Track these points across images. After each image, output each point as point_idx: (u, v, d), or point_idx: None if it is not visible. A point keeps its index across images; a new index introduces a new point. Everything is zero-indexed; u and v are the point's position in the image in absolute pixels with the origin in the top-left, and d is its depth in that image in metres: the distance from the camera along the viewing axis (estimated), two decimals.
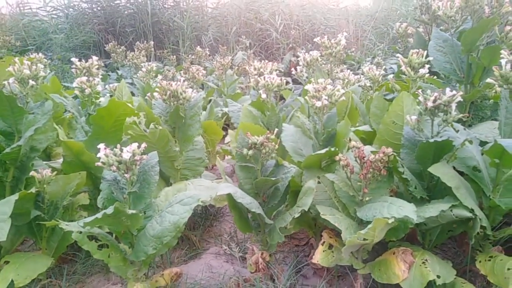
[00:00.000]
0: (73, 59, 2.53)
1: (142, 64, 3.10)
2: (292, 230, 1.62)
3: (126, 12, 9.03)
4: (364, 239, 1.24)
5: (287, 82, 4.44)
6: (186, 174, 2.02)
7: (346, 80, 2.62)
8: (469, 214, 1.29)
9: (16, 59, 1.66)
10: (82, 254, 1.83)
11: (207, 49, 7.71)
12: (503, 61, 1.39)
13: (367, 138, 1.91)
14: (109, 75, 5.71)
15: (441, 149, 1.39)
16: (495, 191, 1.49)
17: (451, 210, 1.31)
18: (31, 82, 1.62)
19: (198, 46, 6.15)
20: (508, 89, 1.40)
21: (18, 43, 7.91)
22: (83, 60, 2.44)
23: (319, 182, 1.51)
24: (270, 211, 1.57)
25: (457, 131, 1.59)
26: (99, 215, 1.16)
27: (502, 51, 1.41)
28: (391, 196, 1.54)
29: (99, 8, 9.20)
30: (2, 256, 1.55)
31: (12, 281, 1.35)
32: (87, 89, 1.92)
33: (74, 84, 1.93)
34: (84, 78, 1.93)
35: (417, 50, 1.70)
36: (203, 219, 2.20)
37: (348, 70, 2.81)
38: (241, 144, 1.49)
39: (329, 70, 2.40)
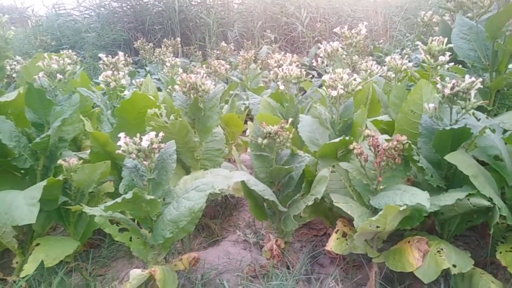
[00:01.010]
0: (100, 55, 2.63)
1: (167, 60, 3.18)
2: (307, 219, 1.64)
3: (154, 10, 9.23)
4: (377, 227, 1.24)
5: (308, 74, 4.41)
6: (206, 164, 2.07)
7: (369, 71, 2.59)
8: (487, 203, 1.25)
9: (45, 54, 1.76)
10: (108, 239, 1.93)
11: (233, 44, 7.78)
12: None
13: (388, 128, 1.88)
14: (138, 71, 5.89)
15: (459, 137, 1.36)
16: None
17: (468, 199, 1.28)
18: (59, 76, 1.72)
19: (223, 42, 6.19)
20: None
21: (53, 43, 8.29)
22: (110, 57, 2.53)
23: (333, 171, 1.52)
24: (285, 200, 1.59)
25: (479, 120, 1.55)
26: (118, 199, 1.22)
27: None
28: (408, 185, 1.53)
29: (128, 6, 9.45)
30: (34, 239, 1.66)
31: (42, 261, 1.45)
32: (112, 82, 2.00)
33: (100, 78, 2.02)
34: (109, 72, 2.01)
35: (438, 38, 1.65)
36: (223, 209, 2.25)
37: (372, 61, 2.77)
38: (256, 134, 1.52)
39: (351, 61, 2.38)
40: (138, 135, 1.37)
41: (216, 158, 2.10)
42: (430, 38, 1.65)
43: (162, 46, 6.21)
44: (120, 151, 1.33)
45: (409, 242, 1.34)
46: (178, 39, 6.83)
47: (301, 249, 1.90)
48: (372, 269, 1.45)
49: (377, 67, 2.61)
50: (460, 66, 2.05)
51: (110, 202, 1.23)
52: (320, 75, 4.89)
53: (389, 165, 1.33)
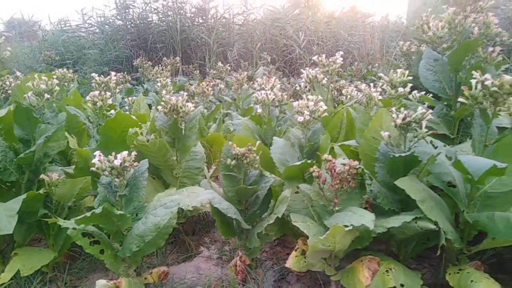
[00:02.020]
0: (93, 74, 2.76)
1: (158, 80, 3.32)
2: (273, 237, 1.72)
3: (157, 29, 9.51)
4: (328, 246, 1.32)
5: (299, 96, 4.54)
6: (185, 182, 2.17)
7: (349, 96, 2.71)
8: (433, 227, 1.34)
9: (36, 75, 1.89)
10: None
11: (232, 64, 7.97)
12: (473, 81, 1.45)
13: (355, 153, 1.98)
14: (136, 88, 6.05)
15: (410, 164, 1.46)
16: (470, 206, 1.53)
17: (415, 222, 1.37)
18: (46, 95, 1.84)
19: (220, 62, 6.37)
20: (478, 108, 1.45)
21: (57, 58, 8.52)
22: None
23: (298, 192, 1.61)
24: (252, 218, 1.67)
25: (436, 147, 1.65)
26: (88, 213, 1.32)
27: (473, 72, 1.47)
28: (365, 207, 1.62)
29: (132, 25, 9.74)
30: (14, 249, 1.74)
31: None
32: (98, 102, 2.12)
33: (87, 98, 2.14)
34: (96, 92, 2.14)
35: (401, 70, 1.77)
36: (202, 225, 2.33)
37: (352, 87, 2.89)
38: (226, 155, 1.62)
39: (329, 87, 2.49)
40: (113, 153, 1.47)
41: (195, 176, 2.19)
42: (391, 70, 1.76)
43: (160, 64, 6.40)
44: (94, 168, 1.43)
45: (361, 261, 1.42)
46: (178, 58, 7.03)
47: (273, 266, 1.97)
48: (330, 287, 1.53)
49: (357, 93, 2.74)
50: (430, 95, 2.17)
51: (80, 216, 1.33)
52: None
53: (344, 188, 1.42)
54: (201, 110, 2.08)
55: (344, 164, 1.42)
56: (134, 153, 1.47)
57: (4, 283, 1.51)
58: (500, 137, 1.45)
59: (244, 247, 1.68)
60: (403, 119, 1.43)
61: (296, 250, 1.51)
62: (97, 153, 1.45)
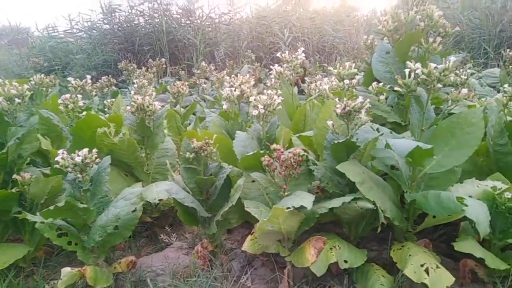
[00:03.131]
0: (69, 78, 2.86)
1: (134, 81, 3.43)
2: (234, 224, 1.83)
3: (144, 31, 9.59)
4: (273, 227, 1.43)
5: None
6: (157, 178, 2.28)
7: (318, 90, 2.82)
8: (371, 206, 1.45)
9: (7, 81, 1.99)
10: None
11: (220, 63, 8.07)
12: (406, 71, 1.56)
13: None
14: (122, 91, 6.13)
15: (351, 149, 1.57)
16: (413, 187, 1.64)
17: (356, 203, 1.48)
18: (17, 100, 1.94)
19: (204, 62, 6.47)
20: (412, 96, 1.56)
21: (45, 64, 8.59)
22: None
23: (254, 181, 1.72)
24: (214, 207, 1.78)
25: (381, 134, 1.77)
26: (51, 207, 1.43)
27: (408, 62, 1.58)
28: (316, 192, 1.73)
29: (119, 28, 9.80)
30: None
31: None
32: (70, 104, 2.23)
33: (59, 101, 2.25)
34: (67, 95, 2.24)
35: (349, 63, 1.89)
36: (177, 219, 2.44)
37: (322, 81, 3.00)
38: (186, 149, 1.73)
39: (293, 82, 2.60)
40: (76, 151, 1.58)
41: (167, 172, 2.30)
42: (337, 63, 1.87)
43: (146, 67, 6.49)
44: (58, 166, 1.54)
45: (309, 241, 1.53)
46: (163, 59, 7.10)
47: (242, 253, 2.09)
48: (286, 268, 1.64)
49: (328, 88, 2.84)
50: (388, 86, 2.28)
51: (45, 210, 1.44)
52: (301, 93, 5.16)
53: (292, 175, 1.53)
54: (167, 108, 2.19)
55: (289, 152, 1.53)
56: (95, 150, 1.58)
57: None
58: (433, 122, 1.56)
59: (207, 234, 1.79)
60: (343, 108, 1.55)
61: (252, 234, 1.62)
62: (60, 151, 1.55)
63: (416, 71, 1.50)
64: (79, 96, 2.29)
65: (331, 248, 1.47)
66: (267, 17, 9.85)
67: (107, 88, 5.18)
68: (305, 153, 1.54)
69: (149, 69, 6.52)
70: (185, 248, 2.11)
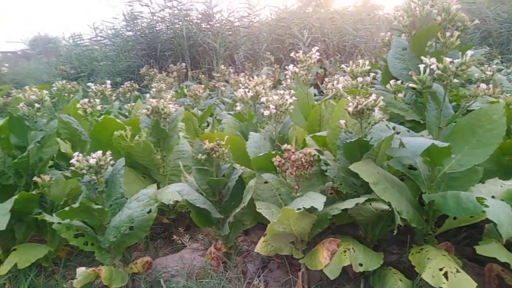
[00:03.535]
0: (89, 84, 2.93)
1: (153, 85, 3.48)
2: (248, 225, 1.81)
3: (165, 37, 9.77)
4: (285, 229, 1.41)
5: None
6: (174, 180, 2.30)
7: (334, 89, 2.78)
8: (386, 207, 1.41)
9: (27, 87, 2.06)
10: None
11: (240, 66, 8.10)
12: (421, 66, 1.51)
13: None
14: (145, 96, 6.25)
15: (365, 148, 1.53)
16: (432, 188, 1.58)
17: (370, 204, 1.44)
18: (37, 105, 2.00)
19: (222, 65, 6.51)
20: (428, 92, 1.51)
21: (72, 71, 8.89)
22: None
23: (266, 182, 1.71)
24: (227, 208, 1.78)
25: (398, 133, 1.72)
26: (66, 208, 1.46)
27: (422, 57, 1.53)
28: (330, 193, 1.70)
29: (142, 35, 10.02)
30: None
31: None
32: (88, 109, 2.28)
33: (78, 105, 2.31)
34: (86, 100, 2.30)
35: (360, 61, 1.84)
36: None
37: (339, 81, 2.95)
38: (198, 150, 1.74)
39: (307, 81, 2.57)
40: (92, 154, 1.61)
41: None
42: (351, 61, 1.84)
43: (167, 72, 6.60)
44: (73, 168, 1.57)
45: (323, 243, 1.50)
46: (184, 64, 7.21)
47: (258, 255, 2.07)
48: (300, 270, 1.61)
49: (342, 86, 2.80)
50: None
51: (61, 211, 1.47)
52: (322, 93, 5.11)
53: (303, 175, 1.51)
54: (182, 111, 2.21)
55: (300, 152, 1.50)
56: (109, 152, 1.61)
57: (4, 274, 1.67)
58: (450, 119, 1.49)
59: (220, 236, 1.79)
60: (355, 107, 1.51)
61: (264, 236, 1.61)
62: (75, 154, 1.59)
63: (431, 67, 1.44)
64: (97, 100, 2.35)
65: (345, 251, 1.43)
66: (286, 18, 9.82)
67: (129, 93, 5.29)
68: (317, 153, 1.51)
69: (170, 74, 6.64)
70: (201, 250, 2.11)
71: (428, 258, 1.39)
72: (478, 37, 8.29)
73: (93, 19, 13.75)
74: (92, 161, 1.55)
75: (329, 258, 1.42)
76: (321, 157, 1.53)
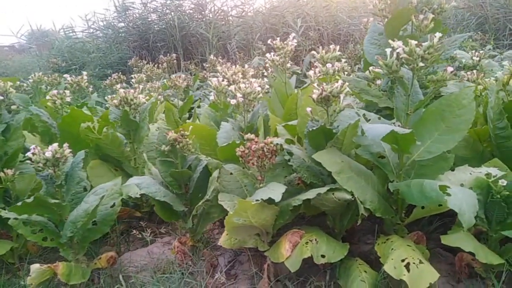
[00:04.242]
0: (65, 75, 2.87)
1: (133, 76, 3.41)
2: (216, 218, 1.76)
3: (157, 27, 9.65)
4: (245, 221, 1.36)
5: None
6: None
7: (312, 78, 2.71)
8: (349, 197, 1.36)
9: None
10: None
11: (233, 57, 8.00)
12: (387, 50, 1.44)
13: None
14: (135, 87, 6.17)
15: (329, 137, 1.47)
16: (401, 176, 1.53)
17: (333, 194, 1.38)
18: (1, 97, 1.94)
19: (212, 55, 6.42)
20: (395, 77, 1.44)
21: (63, 64, 8.80)
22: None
23: (232, 173, 1.65)
24: (193, 201, 1.73)
25: (368, 120, 1.66)
26: (19, 203, 1.41)
27: (390, 41, 1.46)
28: (297, 183, 1.64)
29: (134, 26, 9.90)
30: None
31: None
32: (57, 100, 2.22)
33: (47, 97, 2.24)
34: (55, 92, 2.23)
35: (330, 47, 1.77)
36: None
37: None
38: (161, 141, 1.68)
39: (285, 69, 2.50)
40: (49, 147, 1.56)
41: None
42: (320, 47, 1.76)
43: (159, 62, 6.51)
44: (28, 161, 1.52)
45: (286, 235, 1.45)
46: (174, 55, 7.11)
47: (231, 249, 2.03)
48: (265, 263, 1.57)
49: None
50: None
51: (13, 205, 1.42)
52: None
53: (266, 165, 1.45)
54: (152, 102, 2.14)
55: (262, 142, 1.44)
56: (66, 144, 1.55)
57: None
58: (417, 105, 1.43)
59: (186, 229, 1.74)
60: (320, 94, 1.44)
61: None
62: (32, 146, 1.53)
63: (397, 50, 1.38)
64: (67, 92, 2.28)
65: (307, 242, 1.38)
66: (280, 7, 9.68)
67: (117, 85, 5.22)
68: (279, 143, 1.45)
69: (160, 65, 6.55)
70: (172, 244, 2.06)
71: (392, 249, 1.34)
72: (474, 23, 8.16)
73: (85, 11, 13.60)
74: (48, 154, 1.49)
75: (290, 250, 1.37)
76: (284, 146, 1.47)
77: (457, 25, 8.49)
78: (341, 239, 1.70)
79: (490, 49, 5.15)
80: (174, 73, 8.00)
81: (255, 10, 9.98)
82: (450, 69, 1.36)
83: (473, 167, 1.53)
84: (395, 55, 1.42)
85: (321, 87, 1.45)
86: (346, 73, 2.76)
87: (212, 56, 6.23)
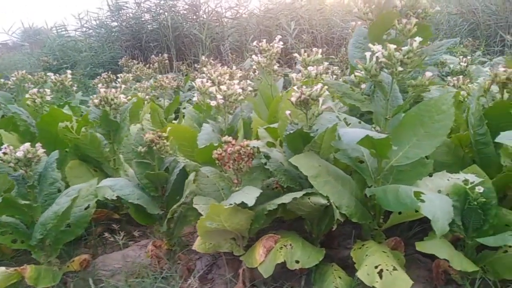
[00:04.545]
0: (49, 73, 2.82)
1: (119, 75, 3.37)
2: (193, 221, 1.73)
3: (150, 27, 9.60)
4: (218, 225, 1.33)
5: None
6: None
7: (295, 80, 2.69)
8: (324, 202, 1.33)
9: None
10: None
11: (225, 58, 7.98)
12: (367, 54, 1.42)
13: None
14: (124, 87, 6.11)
15: (307, 140, 1.45)
16: (378, 181, 1.51)
17: (309, 198, 1.36)
18: None
19: (203, 56, 6.39)
20: (374, 82, 1.42)
21: (55, 62, 8.70)
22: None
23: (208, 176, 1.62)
24: (171, 204, 1.69)
25: (349, 124, 1.64)
26: None
27: (369, 45, 1.44)
28: (275, 187, 1.62)
29: (127, 25, 9.84)
30: None
31: None
32: (37, 99, 2.18)
33: (27, 95, 2.20)
34: (35, 90, 2.19)
35: (313, 50, 1.76)
36: None
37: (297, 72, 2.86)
38: (138, 142, 1.65)
39: (272, 71, 2.47)
40: (21, 146, 1.52)
41: None
42: (302, 50, 1.75)
43: (151, 62, 6.47)
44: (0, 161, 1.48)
45: (261, 240, 1.42)
46: (165, 55, 7.08)
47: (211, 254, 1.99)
48: (241, 267, 1.54)
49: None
50: None
51: None
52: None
53: (242, 168, 1.42)
54: (134, 102, 2.11)
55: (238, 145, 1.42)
56: (38, 144, 1.51)
57: None
58: (396, 110, 1.42)
59: (162, 233, 1.71)
60: (299, 97, 1.42)
61: None
62: (4, 146, 1.49)
63: (377, 54, 1.36)
64: (48, 90, 2.24)
65: (281, 247, 1.35)
66: (275, 9, 9.68)
67: (105, 85, 5.16)
68: (256, 146, 1.42)
69: (152, 65, 6.50)
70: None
71: (367, 255, 1.32)
72: (466, 29, 8.22)
73: (79, 9, 13.51)
74: (20, 154, 1.46)
75: (264, 255, 1.34)
76: (262, 149, 1.44)
77: (450, 31, 8.55)
78: (320, 244, 1.68)
79: (479, 55, 5.18)
80: (166, 73, 7.94)
81: (250, 12, 9.97)
82: (428, 74, 1.34)
83: (454, 172, 1.52)
84: (374, 59, 1.41)
85: (300, 90, 1.43)
86: (335, 76, 2.76)
87: (203, 57, 6.19)
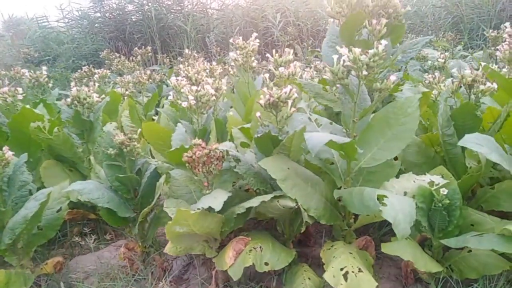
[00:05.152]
0: (23, 70, 2.76)
1: (96, 71, 3.32)
2: (167, 223, 1.73)
3: (134, 19, 9.44)
4: (186, 229, 1.34)
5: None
6: None
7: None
8: (292, 204, 1.35)
9: None
10: None
11: (211, 50, 7.91)
12: (334, 57, 1.43)
13: None
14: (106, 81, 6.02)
15: (276, 143, 1.46)
16: (348, 182, 1.53)
17: (277, 201, 1.37)
18: None
19: (187, 49, 6.32)
20: (341, 84, 1.43)
21: (36, 54, 8.49)
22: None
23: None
24: (144, 206, 1.69)
25: (320, 125, 1.65)
26: None
27: (337, 47, 1.45)
28: (246, 190, 1.63)
29: (110, 16, 9.65)
30: None
31: None
32: (8, 98, 2.14)
33: None
34: (6, 89, 2.15)
35: (287, 50, 1.76)
36: None
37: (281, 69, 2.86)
38: (108, 144, 1.63)
39: (249, 68, 2.47)
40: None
41: None
42: (274, 51, 1.75)
43: (134, 55, 6.36)
44: None
45: (232, 242, 1.44)
46: (149, 47, 6.96)
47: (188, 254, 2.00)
48: (214, 269, 1.55)
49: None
50: None
51: None
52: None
53: (211, 171, 1.43)
54: (107, 101, 2.08)
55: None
56: (6, 147, 1.49)
57: None
58: (362, 112, 1.43)
59: (135, 235, 1.71)
60: (267, 100, 1.43)
61: None
62: None
63: (343, 58, 1.37)
64: (20, 89, 2.20)
65: (250, 250, 1.37)
66: (260, 0, 9.61)
67: (86, 79, 5.07)
68: (224, 149, 1.43)
69: (134, 58, 6.40)
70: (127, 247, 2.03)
71: (334, 256, 1.35)
72: (449, 22, 8.30)
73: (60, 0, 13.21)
74: None
75: (233, 258, 1.36)
76: (230, 152, 1.45)
77: (434, 24, 8.62)
78: (294, 243, 1.71)
79: (460, 49, 5.24)
80: (151, 66, 7.84)
81: (235, 4, 9.88)
82: (393, 78, 1.36)
83: (425, 172, 1.55)
84: (341, 62, 1.42)
85: (269, 93, 1.43)
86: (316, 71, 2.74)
87: (187, 50, 6.13)
